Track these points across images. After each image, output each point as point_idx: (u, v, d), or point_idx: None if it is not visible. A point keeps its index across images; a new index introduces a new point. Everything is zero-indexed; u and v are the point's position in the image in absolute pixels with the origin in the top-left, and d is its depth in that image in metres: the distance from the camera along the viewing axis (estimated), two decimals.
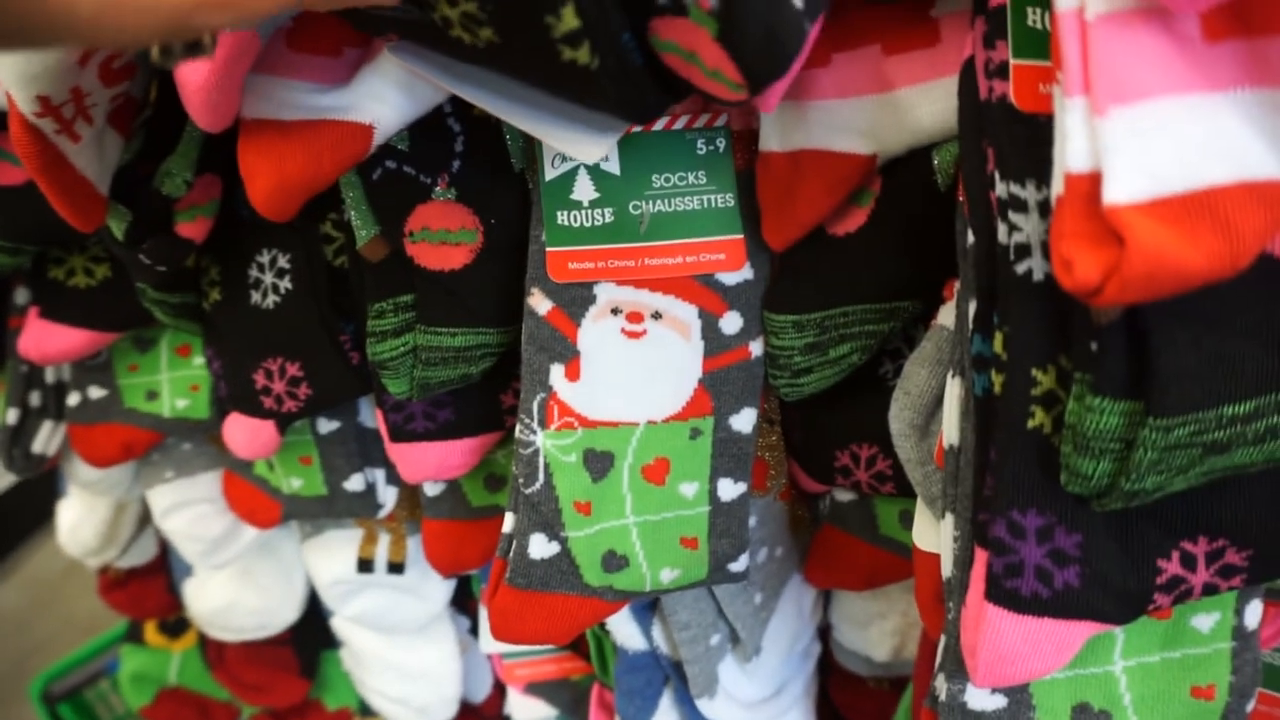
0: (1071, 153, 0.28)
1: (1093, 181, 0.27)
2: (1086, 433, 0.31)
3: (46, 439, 0.70)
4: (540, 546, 0.47)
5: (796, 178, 0.44)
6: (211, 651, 0.81)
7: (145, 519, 0.79)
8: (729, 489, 0.48)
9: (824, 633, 0.65)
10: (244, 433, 0.59)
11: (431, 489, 0.61)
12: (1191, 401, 0.29)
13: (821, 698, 0.66)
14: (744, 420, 0.48)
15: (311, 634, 0.79)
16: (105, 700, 1.82)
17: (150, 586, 0.83)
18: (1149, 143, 0.27)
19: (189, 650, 0.85)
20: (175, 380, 0.66)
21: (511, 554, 0.47)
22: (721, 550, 0.48)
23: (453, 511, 0.60)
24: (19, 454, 0.70)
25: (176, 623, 0.85)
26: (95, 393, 0.67)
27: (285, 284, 0.55)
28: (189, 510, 0.70)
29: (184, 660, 0.85)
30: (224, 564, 0.72)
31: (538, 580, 0.47)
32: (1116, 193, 0.26)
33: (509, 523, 0.49)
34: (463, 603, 0.76)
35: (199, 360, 0.66)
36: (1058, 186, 0.29)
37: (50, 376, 0.70)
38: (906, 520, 0.54)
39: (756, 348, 0.48)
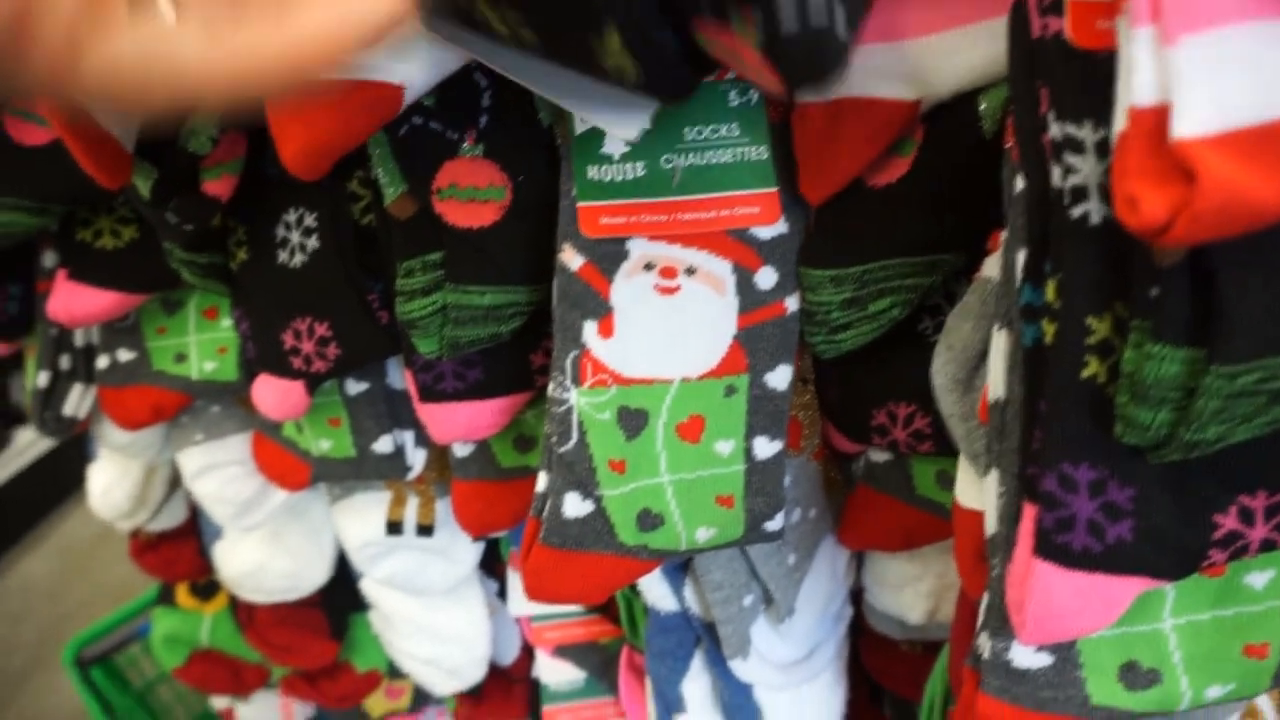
0: (1138, 85, 0.26)
1: (1159, 115, 0.26)
2: (1145, 381, 0.30)
3: (77, 402, 0.70)
4: (574, 505, 0.46)
5: (836, 128, 0.42)
6: (242, 613, 0.81)
7: (175, 482, 0.79)
8: (765, 447, 0.47)
9: (855, 596, 0.65)
10: (273, 394, 0.58)
11: (461, 450, 0.60)
12: (1259, 347, 0.28)
13: (852, 661, 0.66)
14: (780, 377, 0.47)
15: (341, 596, 0.79)
16: (136, 664, 1.86)
17: (181, 549, 0.84)
18: (1222, 72, 0.25)
19: (220, 612, 0.85)
20: (203, 343, 0.66)
21: (545, 513, 0.47)
22: (757, 509, 0.48)
23: (482, 472, 0.60)
24: (50, 417, 0.70)
25: (207, 585, 0.86)
26: (124, 355, 0.67)
27: (312, 243, 0.54)
28: (219, 473, 0.70)
29: (215, 622, 0.85)
30: (254, 526, 0.72)
31: (572, 539, 0.46)
32: (1187, 125, 0.25)
33: (542, 481, 0.48)
34: (491, 566, 0.76)
35: (226, 322, 0.65)
36: (1120, 123, 0.27)
37: (80, 339, 0.70)
38: (943, 481, 0.53)
39: (792, 303, 0.47)
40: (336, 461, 0.64)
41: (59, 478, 2.66)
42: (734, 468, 0.47)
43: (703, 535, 0.47)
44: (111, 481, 0.78)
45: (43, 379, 0.69)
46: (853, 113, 0.42)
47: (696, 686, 0.60)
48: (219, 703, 0.94)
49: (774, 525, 0.48)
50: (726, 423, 0.47)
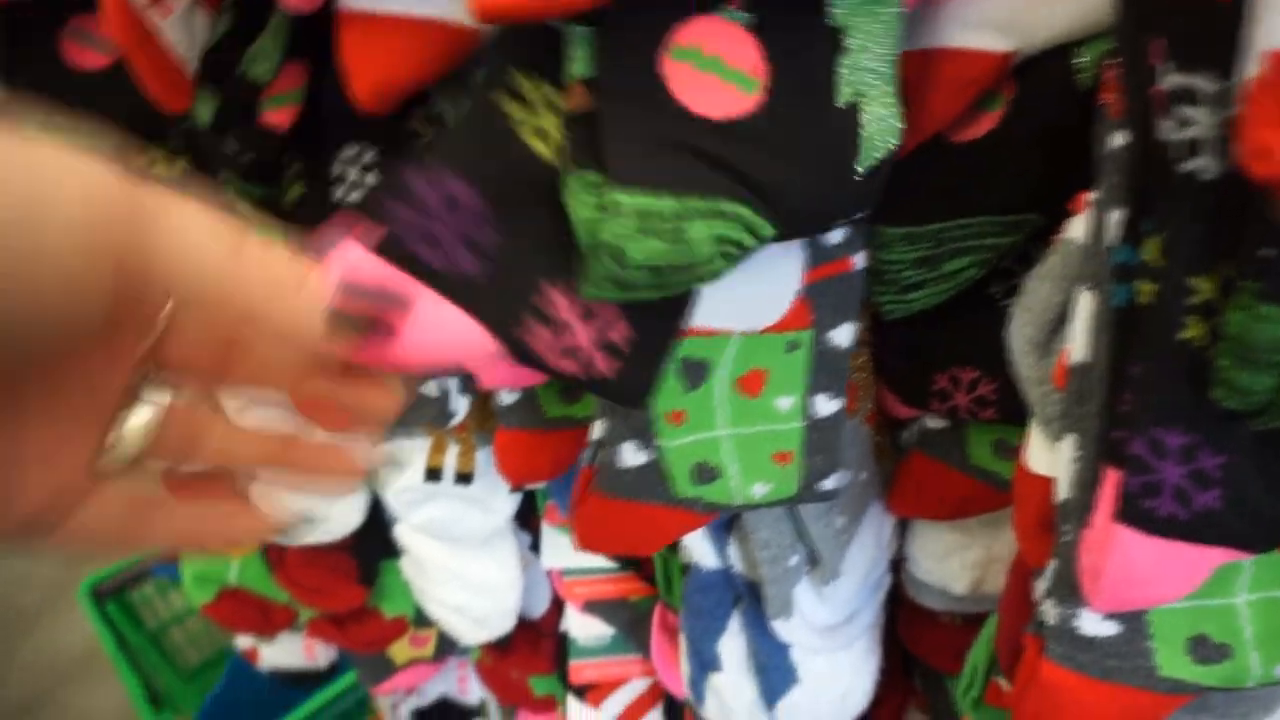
0: (1277, 28, 0.25)
1: None
2: (1251, 344, 0.29)
3: None
4: (631, 455, 0.46)
5: (922, 80, 0.41)
6: (273, 554, 0.82)
7: None
8: (825, 405, 0.47)
9: (894, 566, 0.64)
10: None
11: (506, 397, 0.60)
12: None
13: (885, 632, 0.66)
14: (843, 334, 0.47)
15: (372, 543, 0.79)
16: (150, 604, 1.88)
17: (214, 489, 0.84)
18: None
19: (249, 553, 0.86)
20: None
21: (601, 461, 0.47)
22: (815, 467, 0.47)
23: (526, 421, 0.60)
24: None
25: None
26: None
27: (371, 179, 0.54)
28: (260, 412, 0.70)
29: (244, 562, 0.86)
30: None
31: (627, 489, 0.46)
32: None
33: (599, 429, 0.48)
34: (525, 518, 0.76)
35: None
36: (1252, 69, 0.26)
37: None
38: (999, 450, 0.53)
39: (859, 260, 0.46)
40: None
41: None
42: (793, 424, 0.47)
43: (758, 491, 0.47)
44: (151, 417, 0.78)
45: None
46: (943, 64, 0.41)
47: (732, 646, 0.60)
48: (243, 642, 0.94)
49: (830, 484, 0.48)
50: (787, 378, 0.46)
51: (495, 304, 0.38)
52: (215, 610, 0.86)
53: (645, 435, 0.45)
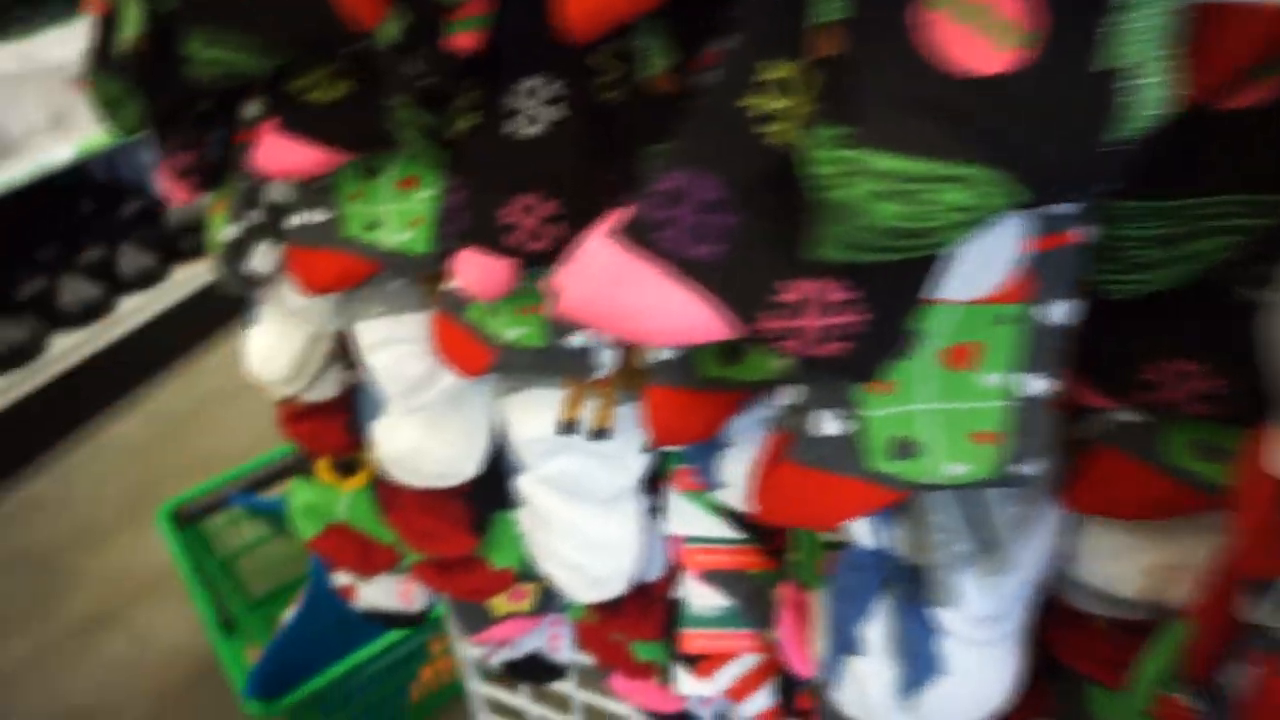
0: None
1: None
2: None
3: (263, 259, 0.69)
4: (829, 423, 0.43)
5: (1201, 38, 0.37)
6: (384, 495, 0.81)
7: (334, 355, 0.79)
8: (1034, 384, 0.44)
9: None
10: (478, 270, 0.56)
11: (661, 353, 0.58)
12: None
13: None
14: (1060, 311, 0.44)
15: (487, 492, 0.78)
16: (222, 531, 1.91)
17: (330, 423, 0.83)
18: None
19: (358, 491, 0.85)
20: (397, 212, 0.64)
21: (796, 427, 0.44)
22: (1017, 450, 0.44)
23: (681, 379, 0.57)
24: (235, 272, 0.69)
25: (349, 463, 0.86)
26: (316, 216, 0.65)
27: (551, 114, 0.51)
28: (395, 348, 0.69)
29: (353, 500, 0.85)
30: (419, 408, 0.71)
31: (821, 459, 0.44)
32: None
33: (795, 393, 0.45)
34: (649, 480, 0.74)
35: (424, 194, 0.63)
36: None
37: (272, 195, 0.68)
38: (1201, 450, 0.49)
39: (1083, 234, 0.43)
40: (523, 351, 0.62)
41: (158, 348, 2.75)
42: (999, 402, 0.44)
43: (955, 470, 0.44)
44: (274, 346, 0.77)
45: (231, 232, 0.68)
46: (1228, 22, 0.37)
47: (878, 630, 0.57)
48: (341, 579, 0.94)
49: (1029, 470, 0.45)
50: (998, 353, 0.43)
51: (735, 289, 0.36)
52: (320, 544, 0.86)
53: (846, 404, 0.43)
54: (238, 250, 0.68)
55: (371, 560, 0.87)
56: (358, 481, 0.85)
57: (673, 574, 0.76)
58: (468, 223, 0.56)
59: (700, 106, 0.38)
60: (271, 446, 2.34)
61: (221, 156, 0.68)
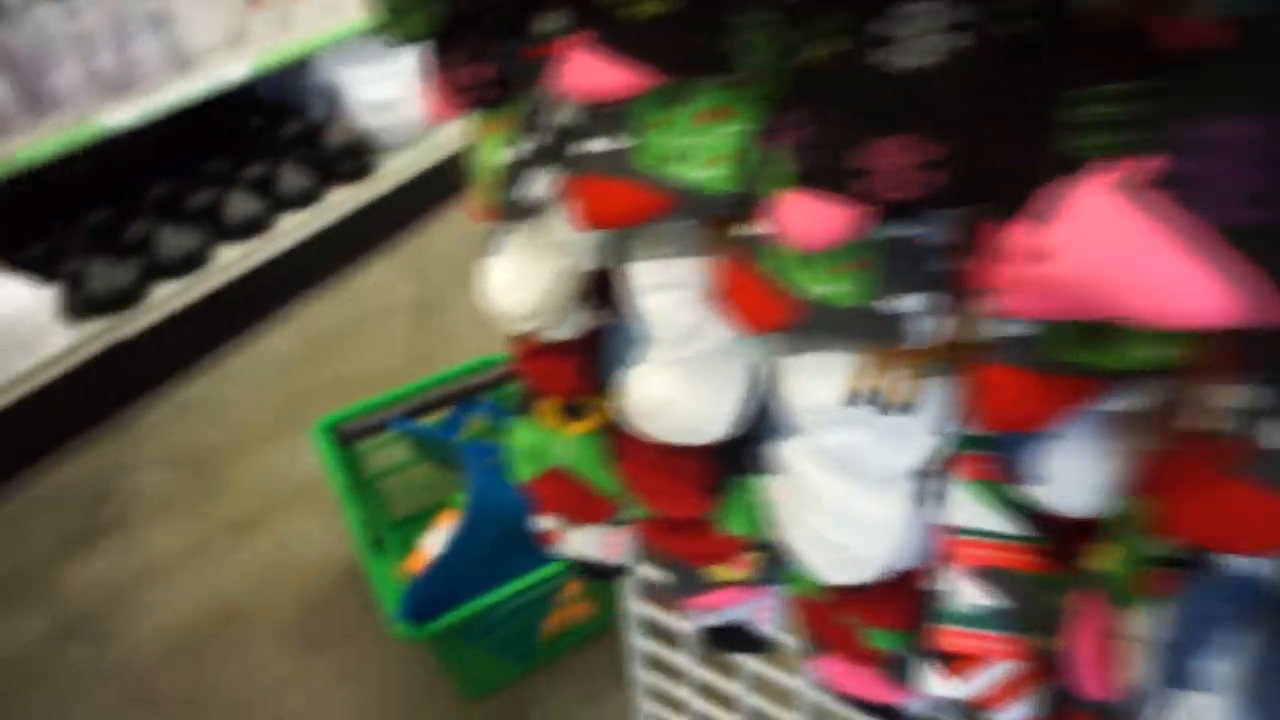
0: None
1: None
2: None
3: (544, 186, 0.65)
4: None
5: None
6: (618, 444, 0.77)
7: (584, 294, 0.75)
8: None
9: None
10: (810, 216, 0.51)
11: (1009, 328, 0.51)
12: None
13: None
14: None
15: (729, 455, 0.73)
16: (370, 452, 1.94)
17: (565, 364, 0.80)
18: None
19: (582, 436, 0.82)
20: (702, 146, 0.58)
21: (1250, 438, 0.37)
22: None
23: (1029, 360, 0.51)
24: (509, 197, 0.65)
25: (575, 407, 0.82)
26: (609, 144, 0.60)
27: (949, 43, 0.45)
28: (670, 293, 0.64)
29: (578, 445, 0.82)
30: (683, 360, 0.66)
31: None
32: None
33: (1247, 397, 0.38)
34: None
35: (732, 128, 0.57)
36: None
37: (559, 118, 0.64)
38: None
39: None
40: (831, 310, 0.56)
41: (311, 267, 2.81)
42: None
43: None
44: (522, 278, 0.74)
45: (508, 155, 0.64)
46: None
47: (1229, 664, 0.50)
48: (546, 522, 0.92)
49: None
50: None
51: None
52: (538, 487, 0.83)
53: None
54: (515, 175, 0.64)
55: (588, 509, 0.83)
56: (582, 427, 0.82)
57: (932, 564, 0.70)
58: (811, 162, 0.50)
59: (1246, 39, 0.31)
60: (414, 370, 2.39)
61: (507, 72, 0.63)
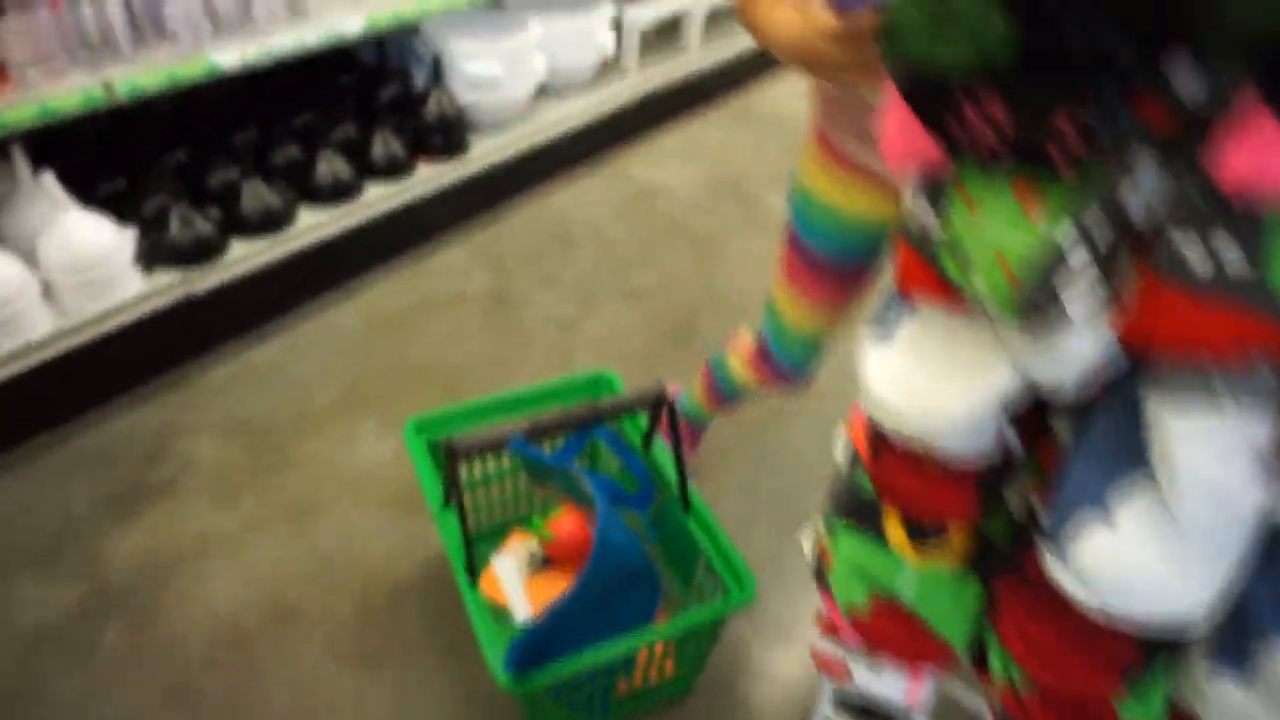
0: None
1: None
2: None
3: (1088, 290, 0.49)
4: None
5: None
6: (1020, 600, 0.62)
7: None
8: None
9: None
10: None
11: None
12: None
13: None
14: None
15: (1152, 646, 0.59)
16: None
17: (962, 490, 0.64)
18: None
19: (934, 575, 0.67)
20: None
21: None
22: None
23: None
24: (1040, 290, 0.49)
25: (922, 527, 0.67)
26: (1241, 258, 0.45)
27: None
28: (1234, 462, 0.49)
29: (928, 582, 0.67)
30: (1193, 537, 0.51)
31: None
32: None
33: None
34: None
35: None
36: None
37: (1141, 207, 0.48)
38: None
39: None
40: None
41: (386, 243, 2.63)
42: None
43: None
44: (933, 381, 0.57)
45: (1052, 234, 0.49)
46: None
47: None
48: (833, 650, 0.76)
49: None
50: None
51: None
52: (860, 614, 0.68)
53: None
54: (1053, 266, 0.48)
55: (921, 650, 0.68)
56: (936, 562, 0.66)
57: None
58: None
59: None
60: (485, 369, 2.23)
61: (1106, 129, 0.46)
